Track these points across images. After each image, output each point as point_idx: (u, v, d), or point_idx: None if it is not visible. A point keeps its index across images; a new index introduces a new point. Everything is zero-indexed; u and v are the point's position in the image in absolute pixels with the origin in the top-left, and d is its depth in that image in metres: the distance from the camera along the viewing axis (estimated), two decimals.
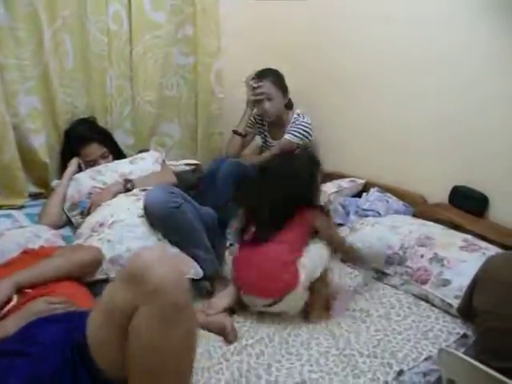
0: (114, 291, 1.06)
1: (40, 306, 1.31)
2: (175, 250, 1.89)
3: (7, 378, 1.07)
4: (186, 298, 1.03)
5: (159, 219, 1.87)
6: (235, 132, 2.66)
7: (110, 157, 2.39)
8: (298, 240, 1.81)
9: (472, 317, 1.45)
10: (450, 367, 1.21)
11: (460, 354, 1.16)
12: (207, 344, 1.64)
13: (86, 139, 2.33)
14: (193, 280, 1.89)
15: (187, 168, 2.54)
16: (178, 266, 1.07)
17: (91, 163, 2.32)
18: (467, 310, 1.52)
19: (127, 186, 2.17)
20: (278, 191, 1.81)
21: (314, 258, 1.79)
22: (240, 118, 2.65)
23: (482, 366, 1.05)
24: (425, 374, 1.52)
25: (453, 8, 2.08)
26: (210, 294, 1.94)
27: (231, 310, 1.82)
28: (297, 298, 1.75)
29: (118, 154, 2.45)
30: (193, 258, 1.89)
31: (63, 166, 2.34)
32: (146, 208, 1.89)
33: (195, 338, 1.09)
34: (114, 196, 2.11)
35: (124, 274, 1.06)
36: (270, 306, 1.75)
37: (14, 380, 1.07)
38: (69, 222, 2.23)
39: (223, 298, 1.82)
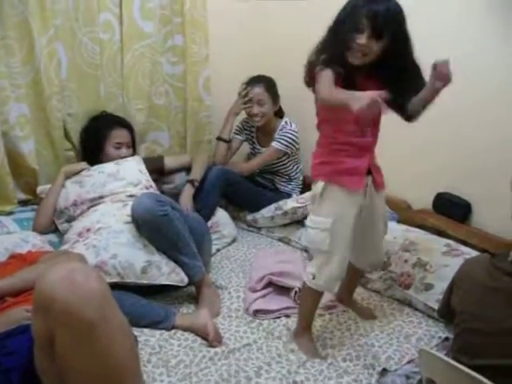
0: (32, 321, 1.05)
1: (21, 314, 1.31)
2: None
3: None
4: (94, 314, 0.99)
5: (147, 227, 1.87)
6: (219, 138, 2.69)
7: (131, 149, 2.42)
8: None
9: (450, 317, 1.47)
10: (428, 366, 1.22)
11: (437, 353, 1.18)
12: (193, 349, 1.66)
13: (121, 122, 2.41)
14: (179, 286, 1.91)
15: None
16: (85, 283, 1.01)
17: (117, 146, 2.35)
18: (446, 311, 1.54)
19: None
20: None
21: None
22: (222, 125, 2.69)
23: (456, 364, 1.06)
24: (407, 377, 1.53)
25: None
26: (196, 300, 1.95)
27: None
28: None
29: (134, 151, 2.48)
30: (179, 264, 1.90)
31: (90, 153, 2.37)
32: (133, 215, 1.90)
33: (121, 350, 1.05)
34: None
35: (33, 303, 1.04)
36: None
37: None
38: (56, 229, 2.23)
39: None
